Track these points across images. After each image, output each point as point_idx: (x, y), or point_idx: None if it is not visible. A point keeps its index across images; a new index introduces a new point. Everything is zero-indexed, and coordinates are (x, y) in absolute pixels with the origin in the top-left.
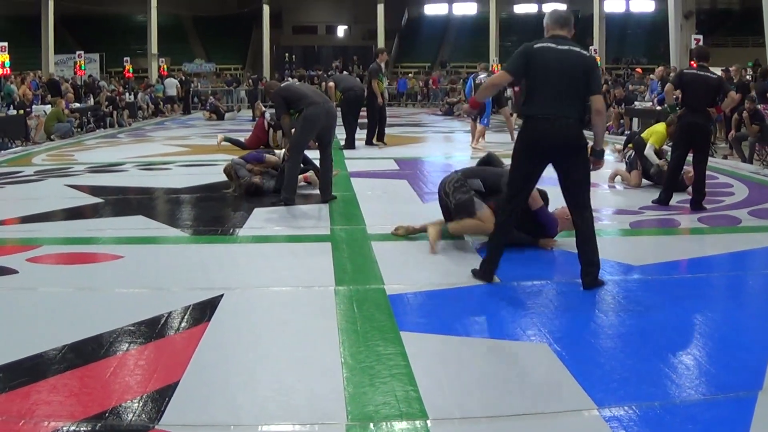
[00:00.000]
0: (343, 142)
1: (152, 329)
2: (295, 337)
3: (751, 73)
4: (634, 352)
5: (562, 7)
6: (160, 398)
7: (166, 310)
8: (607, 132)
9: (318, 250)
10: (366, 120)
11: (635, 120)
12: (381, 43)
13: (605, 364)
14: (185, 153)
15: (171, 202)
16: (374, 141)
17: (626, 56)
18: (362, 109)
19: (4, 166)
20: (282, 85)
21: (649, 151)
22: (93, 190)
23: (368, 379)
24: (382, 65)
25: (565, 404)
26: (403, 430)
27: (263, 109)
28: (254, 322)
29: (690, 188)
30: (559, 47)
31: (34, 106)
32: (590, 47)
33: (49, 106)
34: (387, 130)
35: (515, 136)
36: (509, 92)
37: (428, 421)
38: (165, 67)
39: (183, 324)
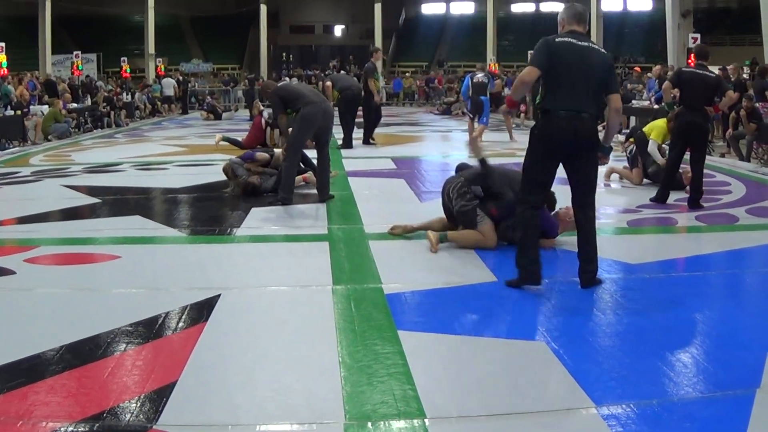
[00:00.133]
0: (340, 142)
1: (150, 329)
2: (293, 337)
3: (749, 71)
4: (632, 351)
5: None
6: (158, 398)
7: (164, 310)
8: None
9: (315, 250)
10: (363, 119)
11: (632, 119)
12: (378, 42)
13: (603, 363)
14: (182, 153)
15: (168, 202)
16: (372, 140)
17: (624, 55)
18: (359, 108)
19: (1, 166)
20: (279, 84)
21: (652, 148)
22: (90, 191)
23: (366, 379)
24: (378, 64)
25: (563, 403)
26: (401, 429)
27: (261, 107)
28: (252, 321)
29: (688, 187)
30: (580, 43)
31: (31, 107)
32: None
33: (47, 106)
34: (384, 130)
35: (513, 135)
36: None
37: (426, 420)
38: (162, 67)
39: (180, 324)
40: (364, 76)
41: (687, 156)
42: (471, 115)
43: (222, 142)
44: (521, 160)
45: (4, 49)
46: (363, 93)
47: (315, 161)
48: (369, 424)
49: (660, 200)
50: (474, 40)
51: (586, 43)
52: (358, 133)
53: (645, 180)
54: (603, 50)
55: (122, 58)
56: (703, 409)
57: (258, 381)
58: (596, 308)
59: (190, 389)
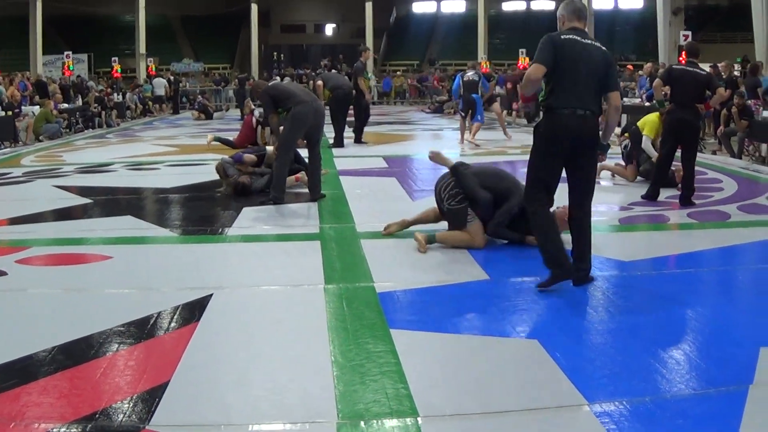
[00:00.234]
0: (331, 141)
1: (142, 330)
2: (285, 336)
3: (739, 68)
4: (624, 348)
5: (551, 4)
6: (151, 399)
7: (156, 310)
8: None
9: (307, 249)
10: (354, 119)
11: (623, 116)
12: (369, 41)
13: (596, 360)
14: (174, 153)
15: (160, 202)
16: (362, 140)
17: (615, 53)
18: (351, 107)
19: None
20: (270, 83)
21: (646, 144)
22: (82, 191)
23: (359, 377)
24: (368, 63)
25: (556, 400)
26: (394, 428)
27: (252, 107)
28: (244, 321)
29: (680, 184)
30: (584, 41)
31: (22, 107)
32: None
33: (38, 107)
34: (376, 129)
35: (508, 133)
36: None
37: (419, 419)
38: (153, 66)
39: (173, 324)
40: (354, 76)
41: (679, 153)
42: (463, 114)
43: (213, 142)
44: (513, 158)
45: None
46: (354, 92)
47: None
48: (362, 422)
49: (651, 197)
50: (465, 39)
51: (589, 41)
52: (349, 132)
53: (638, 177)
54: (604, 48)
55: (113, 58)
56: (696, 406)
57: (250, 380)
58: (589, 306)
59: (183, 389)
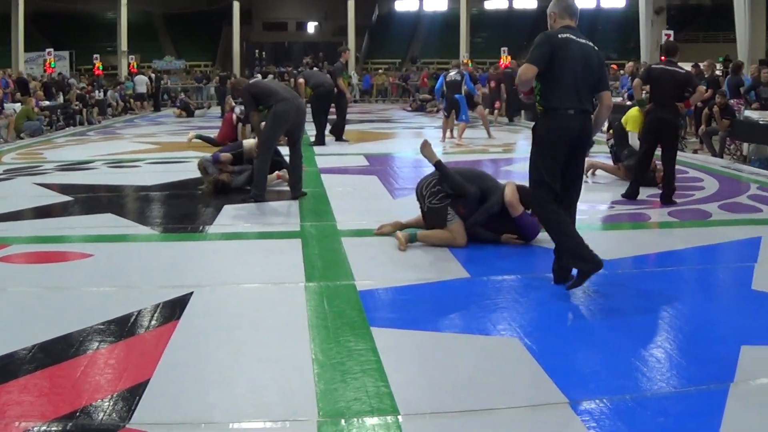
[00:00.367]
0: (313, 139)
1: (122, 328)
2: (266, 334)
3: (721, 68)
4: (605, 346)
5: (533, 3)
6: (131, 397)
7: (136, 308)
8: None
9: (288, 247)
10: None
11: None
12: (351, 39)
13: (576, 358)
14: (155, 150)
15: (140, 199)
16: (344, 138)
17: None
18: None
19: None
20: (250, 81)
21: (633, 140)
22: (62, 189)
23: (339, 375)
24: (350, 62)
25: (536, 398)
26: (375, 426)
27: (233, 104)
28: (224, 319)
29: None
30: (579, 40)
31: (4, 105)
32: None
33: (19, 104)
34: (357, 127)
35: (490, 132)
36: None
37: (399, 417)
38: (135, 64)
39: (153, 322)
40: (333, 76)
41: (659, 152)
42: (446, 113)
43: (195, 140)
44: (495, 156)
45: None
46: (336, 90)
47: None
48: (342, 421)
49: (631, 196)
50: (447, 37)
51: (584, 40)
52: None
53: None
54: (595, 47)
55: (95, 56)
56: (677, 404)
57: (231, 379)
58: (569, 304)
59: (163, 387)
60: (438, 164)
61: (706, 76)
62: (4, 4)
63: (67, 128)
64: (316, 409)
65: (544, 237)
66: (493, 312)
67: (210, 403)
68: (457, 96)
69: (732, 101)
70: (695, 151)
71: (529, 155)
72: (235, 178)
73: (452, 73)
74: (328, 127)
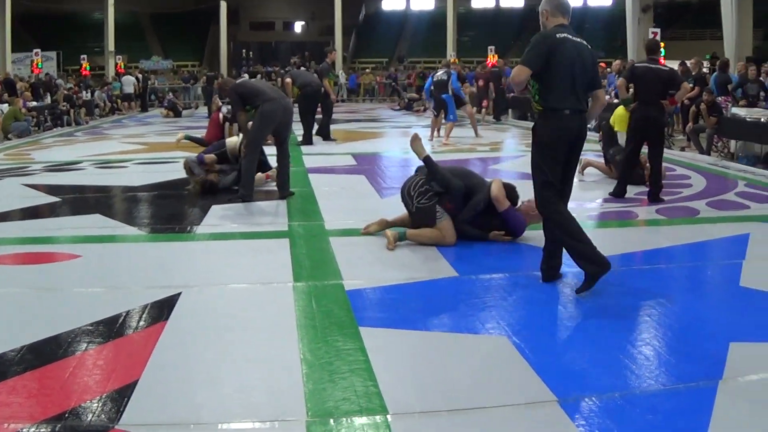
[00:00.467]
0: (300, 138)
1: (111, 329)
2: (254, 334)
3: (708, 65)
4: (594, 344)
5: (520, 1)
6: (120, 398)
7: (125, 309)
8: None
9: (276, 247)
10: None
11: None
12: (338, 38)
13: (565, 356)
14: (142, 151)
15: (128, 200)
16: (331, 137)
17: None
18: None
19: None
20: (237, 81)
21: (622, 140)
22: (50, 189)
23: (328, 375)
24: (333, 63)
25: (525, 397)
26: (364, 426)
27: (220, 104)
28: (213, 319)
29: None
30: (575, 39)
31: None
32: None
33: (7, 105)
34: (344, 126)
35: (478, 131)
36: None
37: (388, 416)
38: (122, 64)
39: (141, 323)
40: (320, 76)
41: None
42: (435, 113)
43: (183, 141)
44: (482, 155)
45: None
46: (323, 90)
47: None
48: (331, 420)
49: (619, 195)
50: (434, 36)
51: (578, 39)
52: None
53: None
54: (588, 45)
55: (82, 56)
56: (666, 401)
57: (219, 379)
58: (558, 302)
59: (152, 388)
60: (427, 159)
61: (693, 73)
62: None
63: (54, 129)
64: (304, 409)
65: (531, 235)
66: (482, 311)
67: (198, 404)
68: (444, 96)
69: (719, 99)
70: (683, 149)
71: (524, 155)
72: (222, 178)
73: (439, 73)
74: (316, 127)
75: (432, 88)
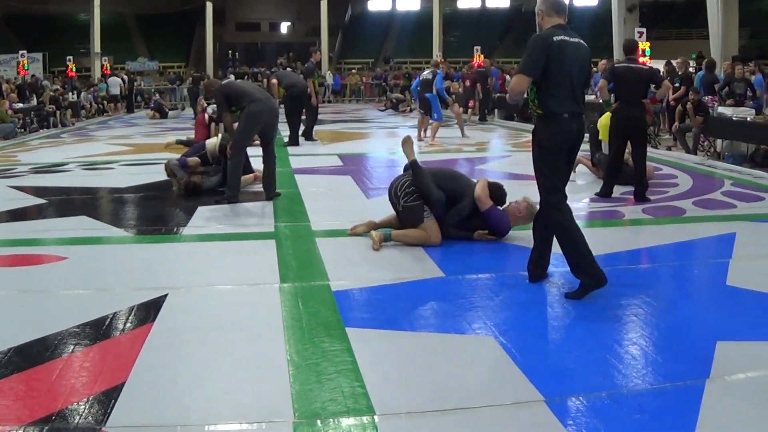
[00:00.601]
0: (286, 139)
1: (97, 330)
2: (241, 336)
3: (694, 65)
4: (580, 343)
5: (506, 1)
6: (107, 400)
7: (111, 310)
8: None
9: (262, 248)
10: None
11: None
12: (324, 39)
13: (552, 356)
14: (129, 152)
15: (115, 201)
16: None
17: None
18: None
19: None
20: (223, 82)
21: (606, 148)
22: (36, 191)
23: (314, 376)
24: (318, 63)
25: (512, 397)
26: (351, 426)
27: (205, 104)
28: (199, 321)
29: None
30: (572, 40)
31: None
32: None
33: None
34: (330, 127)
35: (465, 132)
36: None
37: (375, 417)
38: (108, 65)
39: (128, 325)
40: (305, 77)
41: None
42: (422, 111)
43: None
44: (469, 155)
45: None
46: (309, 90)
47: (260, 159)
48: (318, 421)
49: (605, 195)
50: (420, 37)
51: (576, 39)
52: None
53: (591, 174)
54: (585, 43)
55: (68, 57)
56: (653, 400)
57: (206, 380)
58: (545, 302)
59: (139, 390)
60: (413, 164)
61: (679, 73)
62: None
63: (40, 131)
64: (291, 410)
65: (517, 235)
66: (469, 311)
67: (185, 405)
68: (428, 95)
69: (706, 98)
70: (669, 148)
71: (510, 155)
72: (206, 180)
73: (425, 73)
74: (302, 128)
75: (419, 88)
